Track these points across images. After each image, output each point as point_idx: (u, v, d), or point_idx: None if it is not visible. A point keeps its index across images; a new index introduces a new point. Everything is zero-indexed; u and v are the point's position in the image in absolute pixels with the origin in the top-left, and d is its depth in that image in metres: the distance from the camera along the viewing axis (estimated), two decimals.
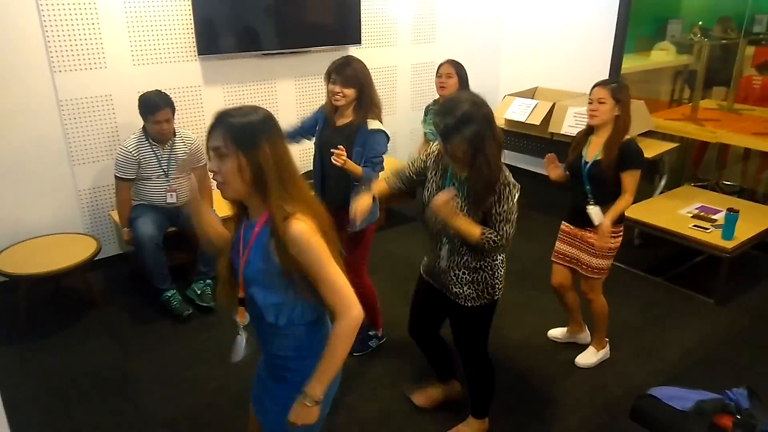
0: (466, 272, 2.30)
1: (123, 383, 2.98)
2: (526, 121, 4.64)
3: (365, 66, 2.81)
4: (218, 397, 2.87)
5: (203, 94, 4.15)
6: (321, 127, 2.91)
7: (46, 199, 3.75)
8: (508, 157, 5.70)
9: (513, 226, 2.16)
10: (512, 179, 2.16)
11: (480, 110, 2.05)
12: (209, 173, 1.52)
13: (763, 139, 4.39)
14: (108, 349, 3.26)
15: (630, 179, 2.75)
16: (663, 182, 4.53)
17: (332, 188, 2.88)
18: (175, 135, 3.52)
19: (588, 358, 3.14)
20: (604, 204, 2.80)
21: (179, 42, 3.94)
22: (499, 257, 2.31)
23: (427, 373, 2.90)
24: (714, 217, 3.94)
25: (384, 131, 2.78)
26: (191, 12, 3.86)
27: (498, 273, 2.33)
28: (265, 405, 1.79)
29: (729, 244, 3.59)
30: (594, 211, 2.84)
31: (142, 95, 3.42)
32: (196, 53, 3.98)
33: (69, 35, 3.54)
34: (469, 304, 2.33)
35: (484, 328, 2.45)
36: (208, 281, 3.64)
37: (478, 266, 2.29)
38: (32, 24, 3.41)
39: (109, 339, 3.34)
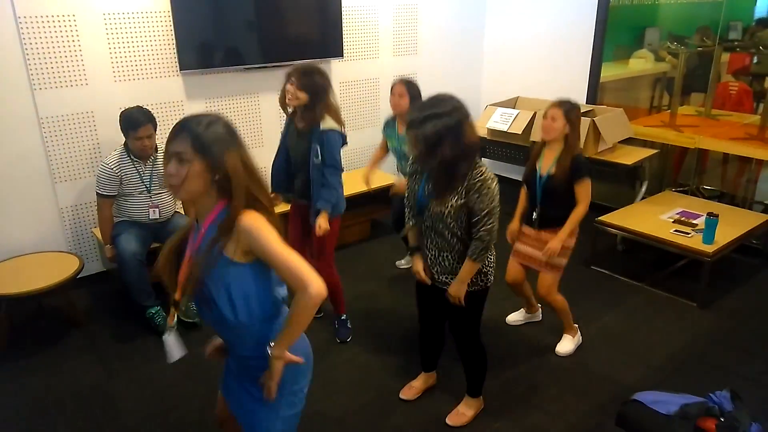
0: (457, 262, 2.46)
1: (107, 402, 2.95)
2: (508, 131, 4.68)
3: (328, 80, 2.99)
4: (203, 414, 2.84)
5: (186, 110, 4.14)
6: (287, 128, 3.19)
7: (28, 217, 3.72)
8: (490, 165, 5.76)
9: (496, 216, 2.32)
10: (490, 174, 2.31)
11: (457, 112, 2.22)
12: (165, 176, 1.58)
13: (740, 143, 4.47)
14: (91, 367, 3.22)
15: (583, 189, 3.01)
16: (644, 188, 4.59)
17: (298, 182, 3.19)
18: (156, 151, 3.50)
19: (566, 345, 3.33)
20: (555, 211, 3.05)
21: (161, 57, 3.93)
22: None
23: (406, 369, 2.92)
24: (695, 221, 3.99)
25: (336, 130, 3.01)
26: (172, 27, 3.86)
27: (488, 261, 2.49)
28: (248, 406, 1.81)
29: (710, 248, 3.64)
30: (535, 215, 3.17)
31: (123, 111, 3.41)
32: (178, 68, 3.98)
33: (49, 52, 3.52)
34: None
35: (477, 314, 2.61)
36: None
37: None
38: (11, 42, 3.39)
39: (93, 357, 3.30)
